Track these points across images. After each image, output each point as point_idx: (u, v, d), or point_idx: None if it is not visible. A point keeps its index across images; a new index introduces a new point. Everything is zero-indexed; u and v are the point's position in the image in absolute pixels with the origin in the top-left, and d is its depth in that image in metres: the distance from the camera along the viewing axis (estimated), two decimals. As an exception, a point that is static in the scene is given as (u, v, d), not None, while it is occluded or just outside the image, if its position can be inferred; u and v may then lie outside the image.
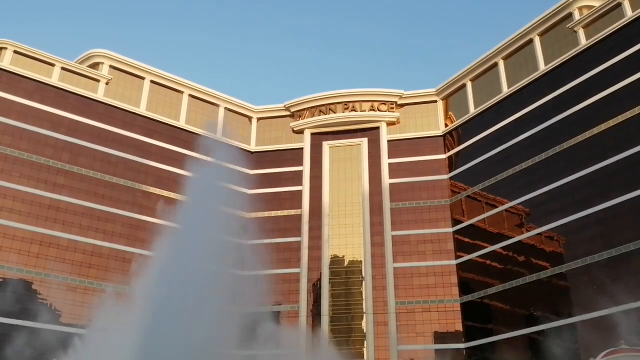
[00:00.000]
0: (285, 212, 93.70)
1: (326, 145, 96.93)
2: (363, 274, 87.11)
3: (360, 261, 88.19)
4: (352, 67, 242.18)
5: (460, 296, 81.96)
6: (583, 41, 75.01)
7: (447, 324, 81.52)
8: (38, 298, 72.86)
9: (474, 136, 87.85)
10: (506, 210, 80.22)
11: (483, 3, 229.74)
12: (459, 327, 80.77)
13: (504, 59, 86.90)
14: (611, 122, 68.26)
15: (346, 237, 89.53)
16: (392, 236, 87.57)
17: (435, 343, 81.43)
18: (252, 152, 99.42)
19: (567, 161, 72.46)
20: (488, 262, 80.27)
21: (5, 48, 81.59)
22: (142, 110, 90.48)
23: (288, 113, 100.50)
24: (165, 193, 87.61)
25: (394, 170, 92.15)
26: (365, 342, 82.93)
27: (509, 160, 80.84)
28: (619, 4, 71.22)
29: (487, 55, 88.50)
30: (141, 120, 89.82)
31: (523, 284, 74.38)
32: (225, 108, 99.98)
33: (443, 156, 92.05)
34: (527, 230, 76.45)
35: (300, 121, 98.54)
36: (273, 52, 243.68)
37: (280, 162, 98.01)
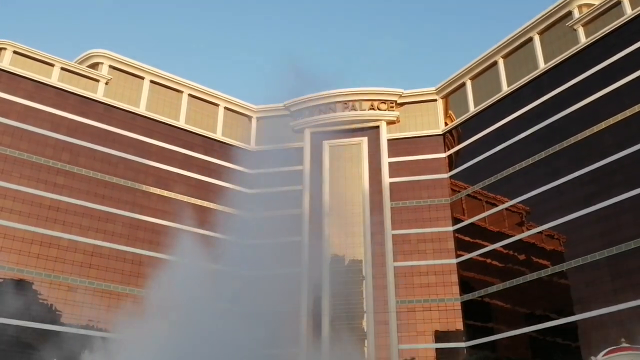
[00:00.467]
0: (286, 212, 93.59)
1: (326, 145, 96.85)
2: (363, 273, 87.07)
3: (361, 260, 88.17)
4: (352, 67, 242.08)
5: (460, 295, 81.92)
6: (583, 39, 74.93)
7: (447, 323, 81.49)
8: (38, 299, 72.83)
9: (474, 135, 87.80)
10: (506, 208, 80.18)
11: (483, 2, 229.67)
12: (459, 326, 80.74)
13: (504, 57, 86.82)
14: (611, 120, 68.18)
15: (346, 236, 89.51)
16: (393, 235, 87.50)
17: (435, 342, 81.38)
18: (252, 152, 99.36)
19: (568, 159, 72.42)
20: (488, 260, 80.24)
21: (5, 48, 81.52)
22: (141, 110, 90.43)
23: (288, 112, 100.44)
24: (165, 193, 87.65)
25: (394, 169, 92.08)
26: (365, 341, 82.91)
27: (509, 158, 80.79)
28: (619, 2, 71.11)
29: (487, 54, 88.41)
30: (141, 120, 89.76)
31: (524, 283, 74.36)
32: (225, 107, 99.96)
33: (443, 155, 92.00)
34: (528, 229, 76.42)
35: (300, 120, 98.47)
36: (273, 51, 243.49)
37: (280, 162, 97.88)
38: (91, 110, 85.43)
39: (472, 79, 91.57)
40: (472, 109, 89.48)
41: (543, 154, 76.09)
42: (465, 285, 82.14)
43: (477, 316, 79.86)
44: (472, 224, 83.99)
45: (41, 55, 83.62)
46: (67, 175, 79.85)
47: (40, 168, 78.00)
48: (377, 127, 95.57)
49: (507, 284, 76.30)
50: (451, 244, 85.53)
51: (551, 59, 78.80)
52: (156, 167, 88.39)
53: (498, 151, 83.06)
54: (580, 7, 77.26)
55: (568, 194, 71.35)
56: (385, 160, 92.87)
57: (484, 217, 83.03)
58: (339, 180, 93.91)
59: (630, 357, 48.76)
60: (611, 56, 70.38)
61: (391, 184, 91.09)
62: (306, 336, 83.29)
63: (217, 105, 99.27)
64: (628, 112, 66.48)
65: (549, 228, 73.24)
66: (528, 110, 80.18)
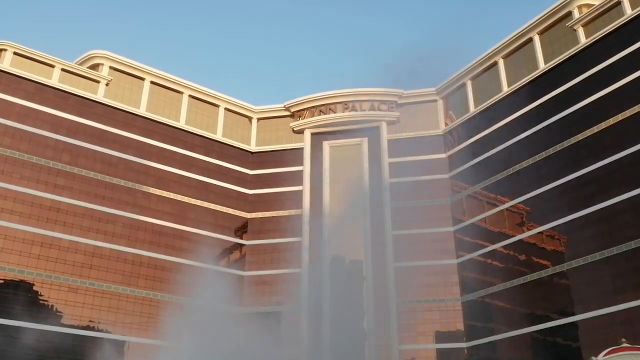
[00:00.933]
0: (286, 212, 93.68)
1: (326, 145, 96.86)
2: (364, 274, 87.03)
3: (361, 261, 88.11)
4: (353, 67, 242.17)
5: (461, 295, 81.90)
6: (583, 40, 74.95)
7: (448, 324, 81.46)
8: (39, 299, 72.84)
9: (474, 135, 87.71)
10: (507, 209, 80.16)
11: (482, 2, 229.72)
12: (460, 326, 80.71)
13: (504, 58, 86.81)
14: (612, 121, 68.19)
15: (347, 237, 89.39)
16: (393, 235, 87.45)
17: (436, 342, 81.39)
18: (252, 153, 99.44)
19: (568, 160, 72.38)
20: (489, 261, 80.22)
21: (5, 50, 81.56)
22: (142, 111, 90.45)
23: (288, 113, 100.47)
24: (165, 194, 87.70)
25: (395, 169, 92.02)
26: (366, 342, 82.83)
27: (510, 159, 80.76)
28: (619, 2, 71.12)
29: (487, 55, 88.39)
30: (141, 121, 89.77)
31: (524, 283, 74.34)
32: (226, 108, 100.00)
33: (443, 155, 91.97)
34: (528, 229, 76.39)
35: (301, 121, 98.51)
36: (273, 52, 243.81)
37: (281, 162, 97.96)
38: (91, 111, 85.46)
39: (472, 79, 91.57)
40: (473, 110, 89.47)
41: (543, 154, 76.07)
42: (465, 286, 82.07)
43: (477, 316, 79.80)
44: (472, 224, 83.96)
45: (41, 57, 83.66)
46: (68, 176, 79.86)
47: (40, 169, 78.02)
48: (378, 127, 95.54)
49: (508, 284, 76.27)
50: (452, 245, 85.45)
51: (551, 59, 78.80)
52: (156, 167, 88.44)
53: (498, 151, 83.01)
54: (580, 7, 77.26)
55: (568, 194, 71.33)
56: (386, 160, 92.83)
57: (485, 218, 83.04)
58: (339, 180, 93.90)
59: (631, 357, 48.82)
60: (611, 56, 70.39)
61: (391, 184, 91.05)
62: (307, 336, 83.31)
63: (217, 106, 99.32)
64: (628, 112, 66.49)
65: (549, 228, 73.22)
66: (528, 111, 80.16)
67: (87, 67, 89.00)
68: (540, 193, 75.03)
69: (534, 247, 74.99)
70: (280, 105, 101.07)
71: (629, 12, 69.74)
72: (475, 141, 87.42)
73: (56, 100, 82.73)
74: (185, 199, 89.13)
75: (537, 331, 71.16)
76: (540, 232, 74.46)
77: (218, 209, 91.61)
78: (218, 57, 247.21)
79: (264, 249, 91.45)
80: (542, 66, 79.74)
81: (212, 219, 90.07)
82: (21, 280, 72.15)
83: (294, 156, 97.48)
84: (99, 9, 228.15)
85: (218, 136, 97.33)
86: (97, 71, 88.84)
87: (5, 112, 78.23)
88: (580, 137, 71.69)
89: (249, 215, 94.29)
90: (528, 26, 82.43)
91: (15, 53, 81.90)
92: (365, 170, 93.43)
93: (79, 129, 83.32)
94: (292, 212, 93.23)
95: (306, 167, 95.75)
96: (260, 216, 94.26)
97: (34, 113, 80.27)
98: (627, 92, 67.37)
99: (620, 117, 67.36)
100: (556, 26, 79.95)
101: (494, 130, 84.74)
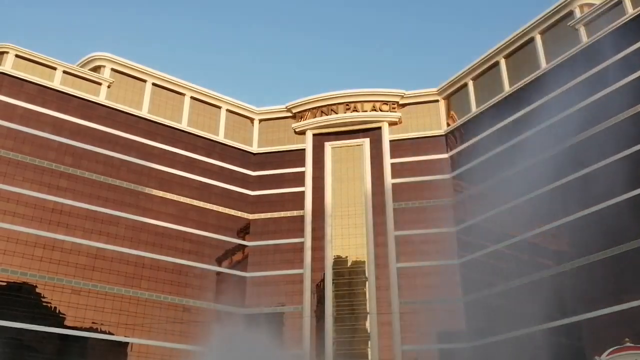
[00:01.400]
0: (288, 214, 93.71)
1: (328, 146, 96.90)
2: (366, 274, 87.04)
3: (364, 261, 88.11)
4: (353, 68, 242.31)
5: (464, 295, 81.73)
6: (584, 39, 74.81)
7: (451, 324, 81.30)
8: (42, 302, 72.92)
9: (476, 135, 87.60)
10: (508, 209, 79.82)
11: (483, 2, 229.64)
12: (463, 326, 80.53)
13: (506, 57, 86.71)
14: (613, 120, 68.05)
15: (349, 238, 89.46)
16: (395, 236, 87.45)
17: (439, 343, 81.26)
18: (254, 154, 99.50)
19: (570, 159, 72.10)
20: (492, 261, 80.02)
21: (7, 52, 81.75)
22: (144, 113, 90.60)
23: (290, 114, 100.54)
24: (168, 195, 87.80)
25: (397, 170, 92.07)
26: (369, 342, 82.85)
27: (512, 158, 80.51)
28: (620, 2, 70.96)
29: (489, 54, 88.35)
30: (143, 123, 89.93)
31: (527, 283, 74.05)
32: (227, 110, 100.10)
33: (445, 155, 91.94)
34: (531, 229, 76.08)
35: (302, 122, 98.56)
36: (273, 53, 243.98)
37: (283, 164, 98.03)
38: (93, 114, 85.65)
39: (473, 79, 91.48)
40: (474, 110, 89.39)
41: (545, 154, 75.84)
42: (468, 286, 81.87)
43: (480, 316, 79.56)
44: (474, 224, 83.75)
45: (43, 59, 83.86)
46: (70, 178, 80.00)
47: (43, 171, 78.17)
48: (379, 128, 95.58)
49: (511, 284, 76.03)
50: (454, 245, 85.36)
51: (553, 59, 78.65)
52: (159, 169, 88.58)
53: (500, 151, 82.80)
54: (581, 6, 77.13)
55: (571, 193, 71.12)
56: (388, 161, 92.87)
57: (487, 218, 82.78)
58: (341, 181, 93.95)
59: (634, 356, 48.72)
60: (612, 56, 70.19)
61: (393, 184, 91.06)
62: (310, 337, 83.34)
63: (219, 107, 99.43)
64: (630, 112, 66.35)
65: (552, 228, 72.97)
66: (530, 110, 79.99)
67: (89, 70, 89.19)
68: (543, 192, 74.73)
69: (537, 246, 74.75)
70: (281, 107, 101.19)
71: (630, 11, 69.58)
72: (477, 141, 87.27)
73: (58, 103, 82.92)
74: (188, 201, 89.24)
75: (540, 331, 70.90)
76: (543, 232, 74.16)
77: (220, 211, 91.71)
78: (220, 59, 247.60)
79: (267, 250, 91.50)
80: (544, 66, 79.63)
81: (214, 221, 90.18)
82: (24, 283, 72.27)
83: (295, 157, 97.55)
84: (101, 12, 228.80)
85: (220, 137, 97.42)
86: (99, 73, 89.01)
87: (8, 114, 78.43)
88: (582, 136, 71.46)
89: (251, 217, 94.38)
90: (529, 26, 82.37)
91: (17, 55, 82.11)
92: (367, 170, 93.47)
93: (81, 131, 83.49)
94: (294, 213, 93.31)
95: (308, 168, 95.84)
96: (263, 217, 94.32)
97: (36, 115, 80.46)
98: (628, 92, 67.20)
99: (621, 116, 67.22)
100: (558, 25, 79.86)
101: (495, 130, 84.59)
